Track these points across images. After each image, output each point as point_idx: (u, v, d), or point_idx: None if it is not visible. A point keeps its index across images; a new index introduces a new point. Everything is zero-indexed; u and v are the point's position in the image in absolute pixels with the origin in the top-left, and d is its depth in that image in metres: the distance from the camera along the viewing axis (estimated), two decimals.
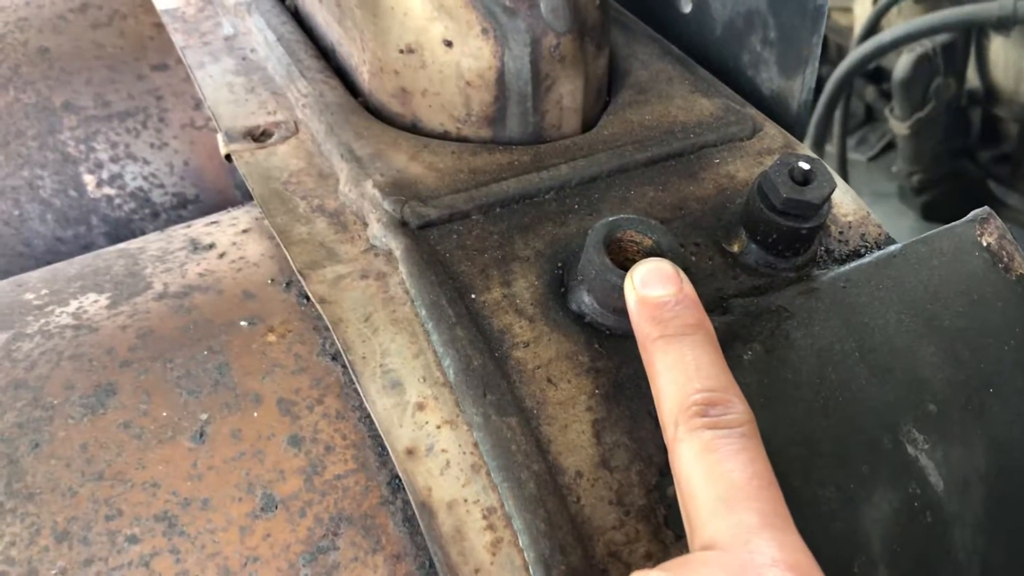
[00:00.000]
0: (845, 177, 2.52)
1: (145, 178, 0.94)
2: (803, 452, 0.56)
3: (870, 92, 2.94)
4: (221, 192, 0.96)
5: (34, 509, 0.51)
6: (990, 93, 2.41)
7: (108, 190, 0.93)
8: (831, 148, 2.54)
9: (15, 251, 0.92)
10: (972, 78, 2.43)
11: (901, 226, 2.68)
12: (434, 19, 0.65)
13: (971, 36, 2.35)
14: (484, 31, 0.65)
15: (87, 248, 0.93)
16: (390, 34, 0.67)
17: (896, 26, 2.19)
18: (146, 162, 0.94)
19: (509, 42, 0.66)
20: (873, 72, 2.80)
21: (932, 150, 2.50)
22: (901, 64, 2.31)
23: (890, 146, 2.99)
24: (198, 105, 0.95)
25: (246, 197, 0.97)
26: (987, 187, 2.63)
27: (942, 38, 2.28)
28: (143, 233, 0.94)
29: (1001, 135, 2.58)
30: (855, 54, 2.24)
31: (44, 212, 0.92)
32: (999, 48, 2.33)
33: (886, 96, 2.76)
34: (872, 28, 2.43)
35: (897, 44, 2.13)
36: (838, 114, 2.45)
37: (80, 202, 0.93)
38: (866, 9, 2.53)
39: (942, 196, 2.59)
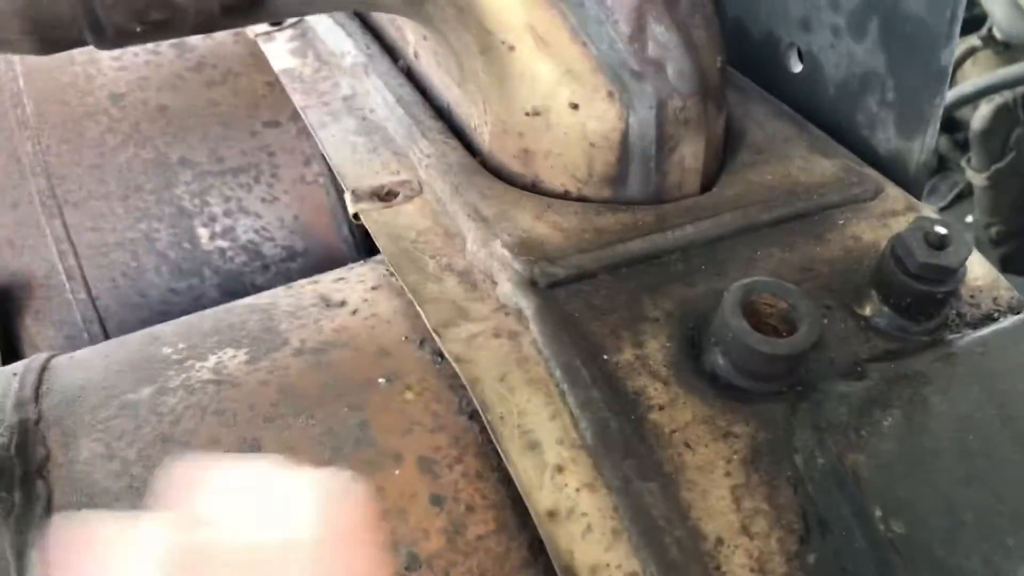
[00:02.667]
0: None
1: (256, 231, 0.97)
2: (946, 522, 0.55)
3: (943, 142, 2.91)
4: (328, 246, 0.98)
5: None
6: None
7: (221, 243, 0.96)
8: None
9: (131, 302, 0.95)
10: None
11: None
12: (561, 83, 0.67)
13: None
14: (610, 94, 0.67)
15: (199, 299, 0.96)
16: (516, 97, 0.69)
17: (977, 78, 2.17)
18: (258, 216, 0.97)
19: (635, 105, 0.67)
20: (946, 122, 2.77)
21: (1011, 201, 2.45)
22: (980, 115, 2.28)
23: (961, 196, 2.95)
24: (308, 161, 0.98)
25: (352, 251, 0.99)
26: None
27: (1022, 88, 2.25)
28: (253, 285, 0.96)
29: None
30: None
31: (160, 264, 0.95)
32: None
33: (959, 146, 2.73)
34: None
35: (979, 95, 2.11)
36: None
37: (194, 254, 0.96)
38: None
39: (1021, 248, 2.54)
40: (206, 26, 0.69)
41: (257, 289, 0.93)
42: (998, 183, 2.39)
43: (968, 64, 2.44)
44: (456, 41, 0.71)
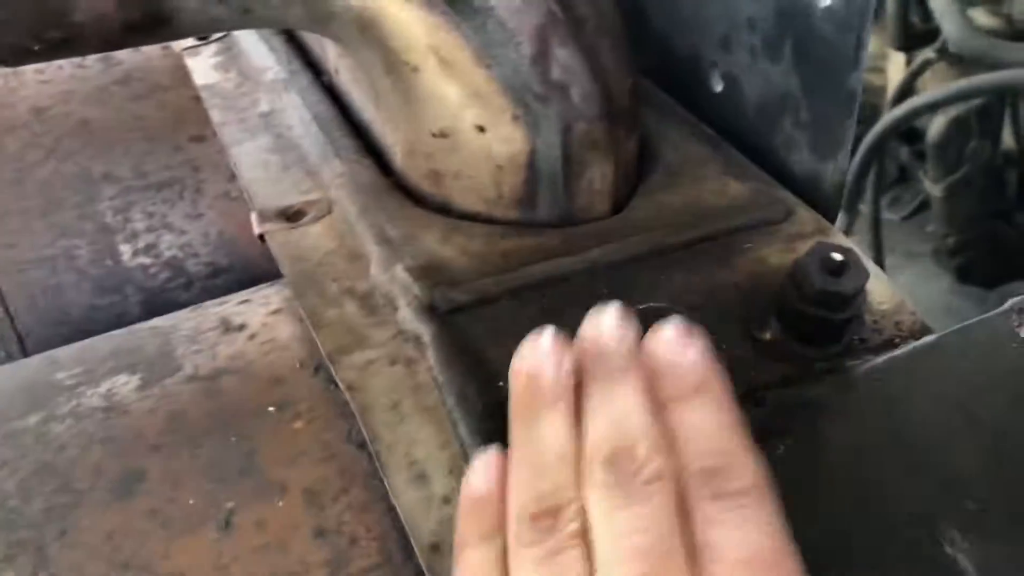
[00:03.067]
0: (878, 238, 2.50)
1: (180, 248, 0.95)
2: (839, 552, 0.55)
3: (904, 152, 2.93)
4: (253, 262, 0.97)
5: None
6: None
7: (143, 259, 0.95)
8: (864, 208, 2.53)
9: (52, 319, 0.93)
10: (1008, 140, 2.42)
11: (935, 288, 2.65)
12: (467, 106, 0.66)
13: (1006, 99, 2.34)
14: (515, 117, 0.66)
15: (121, 316, 0.94)
16: (424, 118, 0.68)
17: (932, 90, 2.19)
18: (182, 232, 0.95)
19: (541, 128, 0.66)
20: (907, 132, 2.79)
21: (967, 212, 2.48)
22: (935, 127, 2.30)
23: (924, 206, 2.97)
24: (233, 177, 0.97)
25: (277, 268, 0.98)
26: (1023, 249, 2.59)
27: (977, 101, 2.27)
28: (176, 302, 0.95)
29: None
30: (889, 117, 2.23)
31: (81, 281, 0.94)
32: None
33: (920, 156, 2.75)
34: (906, 89, 2.42)
35: (932, 107, 2.13)
36: (872, 175, 2.45)
37: (116, 271, 0.94)
38: (899, 70, 2.53)
39: (977, 258, 2.56)
40: (108, 45, 0.67)
41: (181, 306, 0.92)
42: (954, 194, 2.41)
43: (927, 75, 2.46)
44: (364, 60, 0.70)
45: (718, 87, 0.84)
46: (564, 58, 0.65)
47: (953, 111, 2.27)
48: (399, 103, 0.69)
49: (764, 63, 0.77)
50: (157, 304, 0.95)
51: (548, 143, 0.66)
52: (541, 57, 0.64)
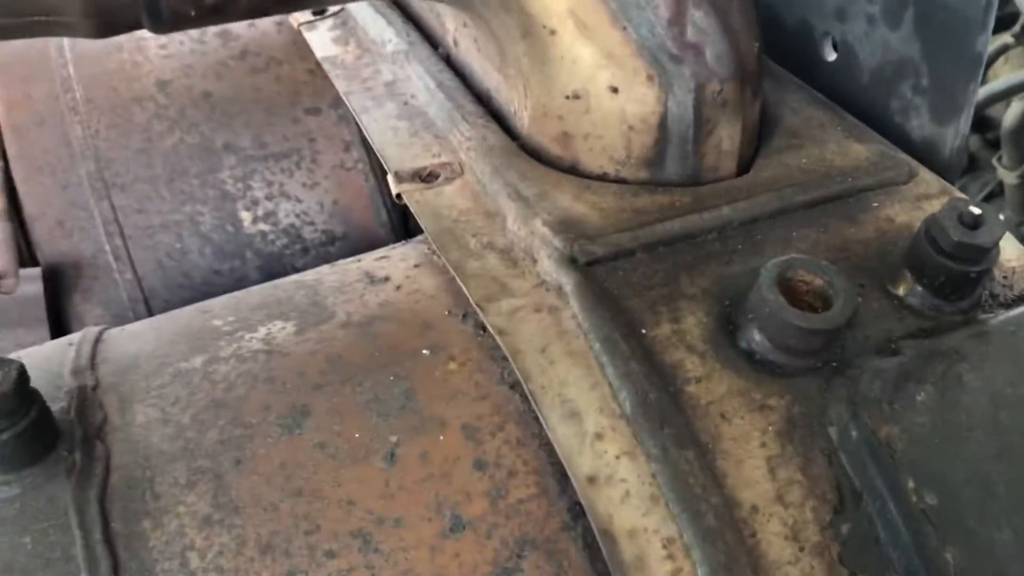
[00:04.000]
0: None
1: (297, 216, 0.99)
2: (978, 494, 0.56)
3: (974, 141, 2.89)
4: (366, 230, 1.00)
5: (239, 521, 0.54)
6: None
7: (263, 226, 0.99)
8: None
9: (176, 282, 0.98)
10: None
11: None
12: (602, 67, 0.68)
13: None
14: (649, 78, 0.68)
15: (241, 281, 0.99)
16: (557, 81, 0.70)
17: (1009, 75, 2.16)
18: (298, 200, 0.99)
19: (674, 88, 0.68)
20: (978, 121, 2.76)
21: None
22: (1011, 113, 2.27)
23: (992, 195, 2.93)
24: (348, 147, 1.01)
25: (390, 234, 1.02)
26: None
27: None
28: (294, 268, 0.99)
29: None
30: None
31: (203, 246, 0.98)
32: None
33: (991, 144, 2.71)
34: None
35: (1010, 93, 2.10)
36: None
37: (236, 237, 0.98)
38: None
39: None
40: (258, 11, 0.71)
41: (297, 271, 0.96)
42: None
43: (1000, 62, 2.43)
44: (498, 26, 0.73)
45: (831, 56, 0.85)
46: (699, 19, 0.67)
47: None
48: (532, 67, 0.72)
49: (882, 30, 0.78)
50: (275, 269, 0.99)
51: (680, 103, 0.68)
52: (677, 18, 0.66)
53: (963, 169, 2.69)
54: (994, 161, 2.43)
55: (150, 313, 0.97)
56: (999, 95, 2.11)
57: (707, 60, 0.68)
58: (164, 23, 0.68)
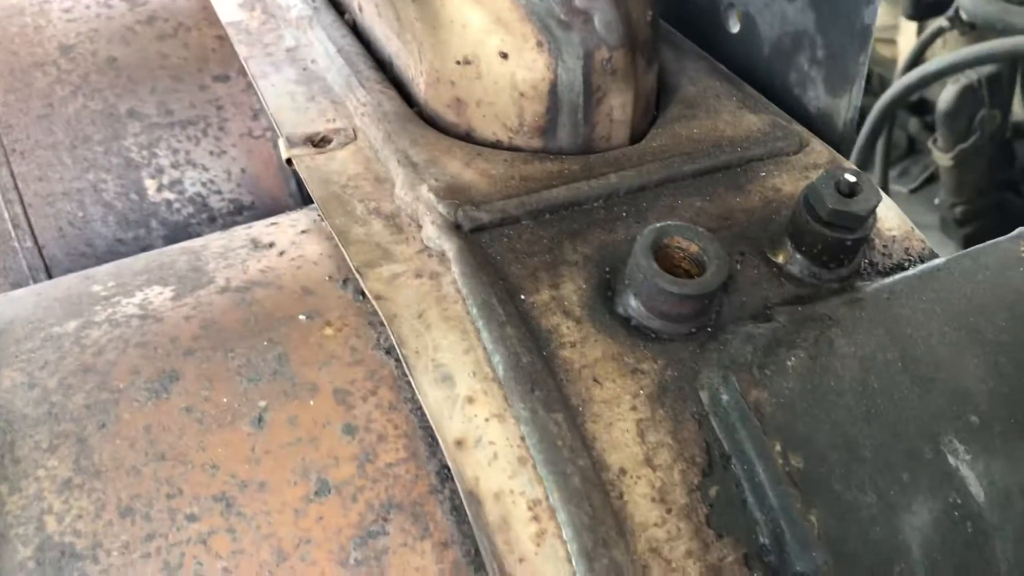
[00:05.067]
0: None
1: (204, 184, 0.97)
2: (844, 457, 0.57)
3: (913, 124, 2.93)
4: (276, 199, 0.99)
5: (100, 485, 0.53)
6: None
7: (168, 195, 0.97)
8: (873, 179, 2.54)
9: (78, 251, 0.96)
10: (1017, 110, 2.42)
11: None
12: (491, 32, 0.68)
13: (1016, 68, 2.34)
14: (539, 44, 0.68)
15: (145, 250, 0.96)
16: (448, 46, 0.70)
17: (941, 56, 2.19)
18: (205, 169, 0.97)
19: (563, 55, 0.68)
20: (917, 103, 2.80)
21: (975, 182, 2.48)
22: (945, 95, 2.30)
23: (932, 178, 2.97)
24: (256, 115, 0.99)
25: (300, 205, 1.00)
26: None
27: (987, 69, 2.27)
28: (200, 237, 0.97)
29: None
30: (899, 84, 2.24)
31: (106, 214, 0.96)
32: None
33: (929, 128, 2.75)
34: (916, 59, 2.43)
35: (942, 74, 2.13)
36: (880, 145, 2.45)
37: (141, 206, 0.97)
38: (910, 40, 2.53)
39: (985, 228, 2.57)
40: None
41: None
42: (963, 164, 2.41)
43: (938, 44, 2.46)
44: None
45: (735, 28, 0.86)
46: None
47: (963, 80, 2.27)
48: (424, 31, 0.71)
49: (781, 2, 0.79)
50: (180, 239, 0.97)
51: (570, 70, 0.68)
52: None
53: (903, 153, 2.73)
54: (929, 143, 2.47)
55: None
56: (931, 76, 2.14)
57: (596, 27, 0.67)
58: None
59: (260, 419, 0.56)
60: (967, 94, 2.28)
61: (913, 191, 3.13)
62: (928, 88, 2.32)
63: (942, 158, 2.41)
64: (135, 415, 0.56)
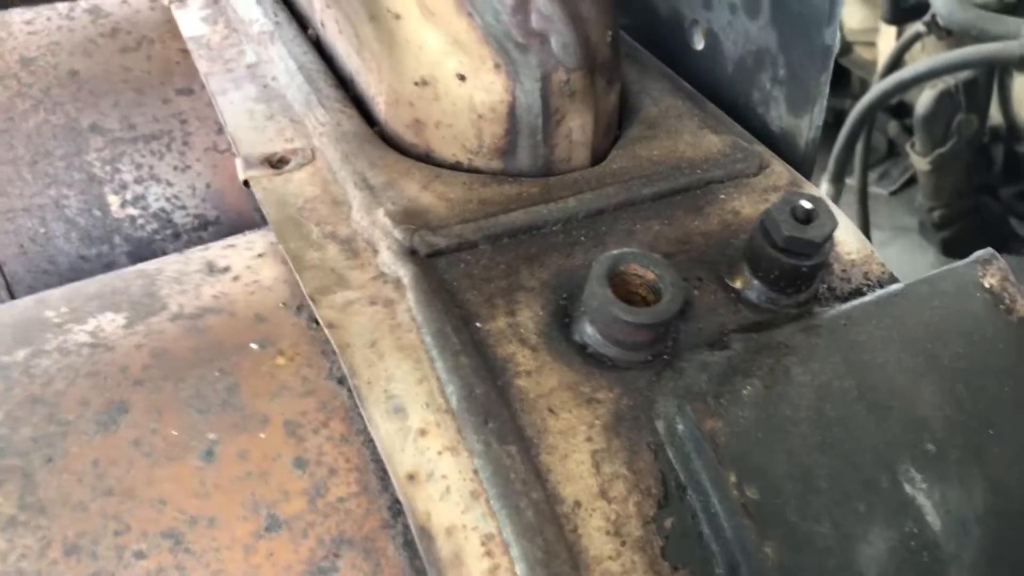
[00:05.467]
0: (865, 211, 2.52)
1: (168, 199, 0.96)
2: (800, 488, 0.57)
3: (892, 127, 2.95)
4: (241, 214, 0.98)
5: (45, 522, 0.52)
6: (1012, 130, 2.41)
7: (131, 210, 0.96)
8: (851, 181, 2.55)
9: (40, 268, 0.95)
10: (995, 115, 2.44)
11: (922, 261, 2.68)
12: (448, 53, 0.67)
13: (994, 73, 2.35)
14: (496, 66, 0.67)
15: (109, 266, 0.96)
16: (406, 67, 0.69)
17: (919, 62, 2.20)
18: (169, 184, 0.96)
19: (520, 77, 0.67)
20: (896, 107, 2.81)
21: (953, 186, 2.50)
22: (923, 100, 2.31)
23: (912, 181, 2.99)
24: (221, 129, 0.98)
25: (265, 221, 0.99)
26: (1008, 223, 2.62)
27: (965, 75, 2.28)
28: (164, 253, 0.96)
29: (1023, 172, 2.57)
30: (877, 88, 2.25)
31: (69, 230, 0.95)
32: (1022, 85, 2.33)
33: (908, 131, 2.77)
34: (895, 63, 2.44)
35: (920, 80, 2.14)
36: (860, 148, 2.46)
37: (104, 222, 0.95)
38: (889, 44, 2.54)
39: (963, 232, 2.58)
40: None
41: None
42: (941, 168, 2.43)
43: (916, 49, 2.47)
44: (348, 7, 0.71)
45: (699, 45, 0.85)
46: (544, 7, 0.66)
47: (941, 84, 2.28)
48: (382, 52, 0.70)
49: (743, 20, 0.78)
50: (145, 255, 0.96)
51: (528, 92, 0.68)
52: (522, 5, 0.65)
53: (882, 155, 2.74)
54: (907, 147, 2.48)
55: (12, 299, 0.94)
56: (908, 82, 2.15)
57: (553, 49, 0.67)
58: None
59: (210, 452, 0.55)
60: (944, 99, 2.30)
61: (893, 193, 3.15)
62: (907, 92, 2.33)
63: (920, 162, 2.43)
64: (83, 448, 0.55)
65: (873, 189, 2.90)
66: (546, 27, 0.66)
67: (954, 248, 2.57)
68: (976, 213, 2.58)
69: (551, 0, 0.65)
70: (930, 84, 2.31)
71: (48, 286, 0.95)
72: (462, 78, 0.68)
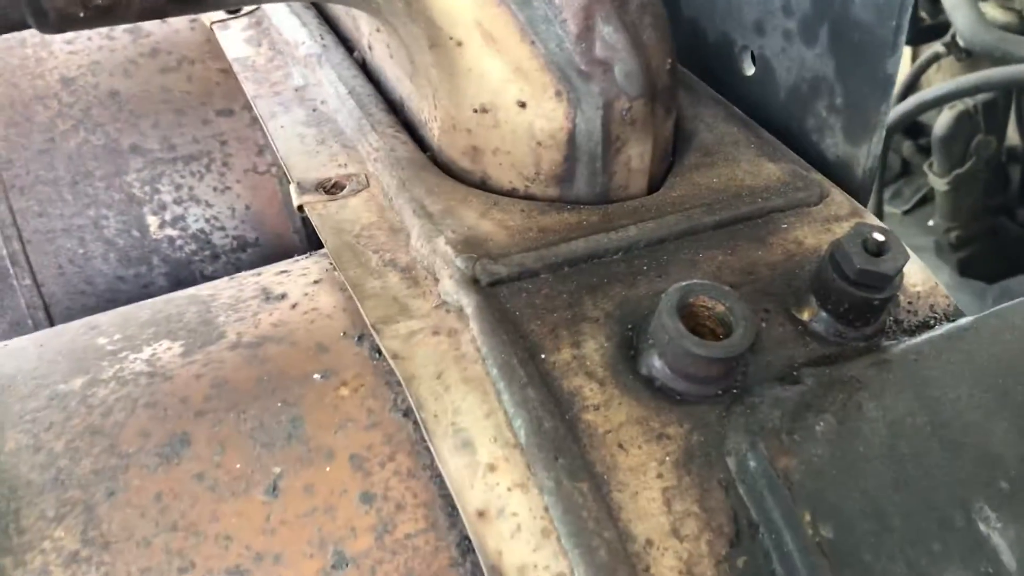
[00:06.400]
0: None
1: (207, 220, 0.96)
2: (874, 526, 0.56)
3: (907, 146, 2.94)
4: (280, 236, 0.97)
5: (109, 558, 0.51)
6: None
7: (170, 231, 0.95)
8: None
9: (77, 289, 0.94)
10: (1012, 135, 2.43)
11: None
12: (510, 81, 0.66)
13: (1012, 95, 2.35)
14: (558, 93, 0.66)
15: (147, 288, 0.95)
16: (465, 94, 0.68)
17: (941, 84, 2.20)
18: (208, 205, 0.96)
19: (582, 105, 0.66)
20: (911, 126, 2.80)
21: (971, 207, 2.49)
22: (942, 121, 2.31)
23: (924, 200, 2.98)
24: (261, 151, 0.97)
25: (304, 242, 0.99)
26: None
27: (983, 96, 2.28)
28: (203, 275, 0.95)
29: None
30: (897, 110, 2.24)
31: (107, 251, 0.94)
32: None
33: (923, 150, 2.76)
34: (912, 84, 2.43)
35: (942, 101, 2.14)
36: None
37: (143, 242, 0.95)
38: (905, 66, 2.54)
39: (979, 253, 2.57)
40: (152, 13, 0.67)
41: (207, 279, 0.93)
42: (958, 188, 2.42)
43: (932, 70, 2.47)
44: (406, 35, 0.71)
45: (750, 71, 0.85)
46: (608, 35, 0.65)
47: (960, 105, 2.28)
48: (440, 78, 0.70)
49: (799, 46, 0.77)
50: (183, 276, 0.96)
51: (589, 120, 0.67)
52: (586, 33, 0.65)
53: (897, 174, 2.73)
54: (925, 167, 2.47)
55: (50, 321, 0.93)
56: (928, 104, 2.15)
57: (616, 77, 0.66)
58: (50, 24, 0.65)
59: (275, 487, 0.54)
60: (963, 120, 2.29)
61: (906, 212, 3.14)
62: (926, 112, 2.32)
63: (938, 183, 2.42)
64: (145, 482, 0.54)
65: (886, 208, 2.89)
66: (610, 56, 0.65)
67: (970, 269, 2.56)
68: (993, 234, 2.57)
69: (616, 29, 0.65)
70: (948, 105, 2.30)
71: (85, 307, 0.94)
72: (523, 105, 0.67)
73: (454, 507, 0.54)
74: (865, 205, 0.75)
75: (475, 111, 0.68)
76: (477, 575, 0.53)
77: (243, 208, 0.96)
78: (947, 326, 0.63)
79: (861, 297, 0.60)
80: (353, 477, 0.55)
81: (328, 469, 0.55)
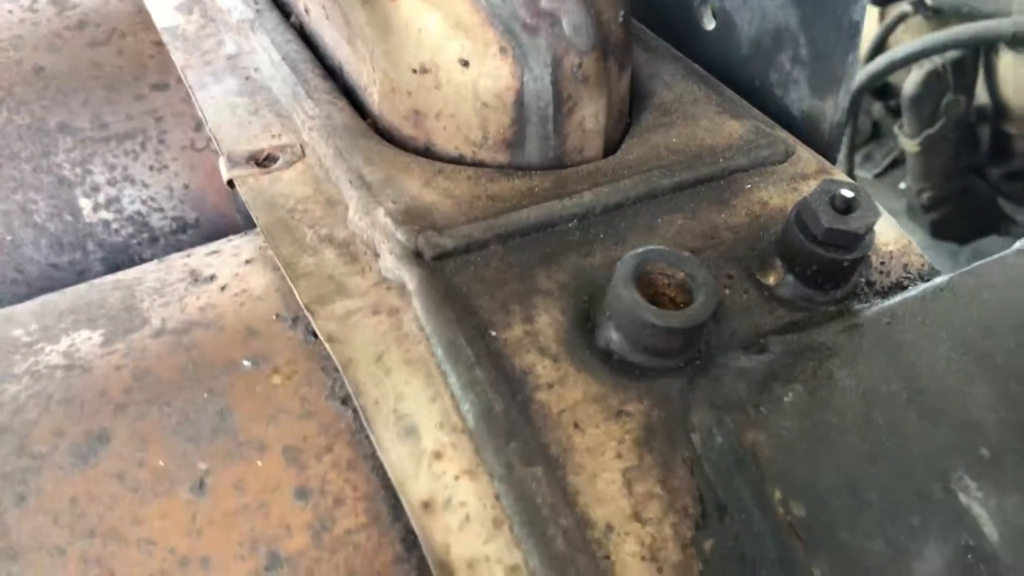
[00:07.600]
0: None
1: (144, 202, 0.90)
2: (849, 502, 0.52)
3: (877, 109, 2.92)
4: (223, 216, 0.92)
5: (18, 570, 0.47)
6: (999, 110, 2.38)
7: (105, 214, 0.89)
8: (837, 165, 2.51)
9: (7, 278, 0.88)
10: (981, 95, 2.41)
11: None
12: (450, 37, 0.62)
13: (980, 53, 2.32)
14: (503, 50, 0.62)
15: (83, 274, 0.89)
16: (403, 53, 0.63)
17: (908, 43, 2.16)
18: (145, 185, 0.90)
19: (529, 62, 0.62)
20: (880, 88, 2.78)
21: (941, 167, 2.47)
22: (911, 81, 2.28)
23: (896, 163, 2.96)
24: (199, 126, 0.92)
25: (248, 221, 0.93)
26: (997, 204, 2.60)
27: (951, 55, 2.25)
28: (141, 259, 0.90)
29: (1011, 152, 2.55)
30: (865, 71, 2.21)
31: (38, 237, 0.88)
32: (1008, 65, 2.30)
33: (893, 113, 2.74)
34: (880, 45, 2.40)
35: (910, 60, 2.11)
36: (846, 131, 2.43)
37: (76, 227, 0.89)
38: (873, 25, 2.50)
39: (951, 213, 2.56)
40: None
41: (145, 263, 0.87)
42: (929, 149, 2.39)
43: (900, 30, 2.44)
44: None
45: (710, 25, 0.80)
46: None
47: (928, 65, 2.25)
48: (376, 37, 0.65)
49: None
50: (120, 261, 0.90)
51: (537, 78, 0.62)
52: None
53: (868, 137, 2.70)
54: (895, 129, 2.45)
55: None
56: (897, 63, 2.11)
57: (564, 30, 0.61)
58: None
59: (201, 484, 0.50)
60: (932, 80, 2.26)
61: (878, 176, 3.12)
62: (893, 73, 2.29)
63: (908, 144, 2.39)
64: (59, 485, 0.49)
65: (857, 172, 2.87)
66: (556, 7, 0.61)
67: (943, 230, 2.55)
68: (964, 194, 2.55)
69: None
70: (917, 65, 2.27)
71: (17, 297, 0.89)
72: (465, 64, 0.62)
73: (398, 499, 0.50)
74: (833, 163, 0.71)
75: (414, 71, 0.64)
76: (425, 571, 0.49)
77: (181, 187, 0.91)
78: (921, 286, 0.60)
79: (830, 258, 0.57)
80: (287, 471, 0.50)
81: (259, 463, 0.50)
